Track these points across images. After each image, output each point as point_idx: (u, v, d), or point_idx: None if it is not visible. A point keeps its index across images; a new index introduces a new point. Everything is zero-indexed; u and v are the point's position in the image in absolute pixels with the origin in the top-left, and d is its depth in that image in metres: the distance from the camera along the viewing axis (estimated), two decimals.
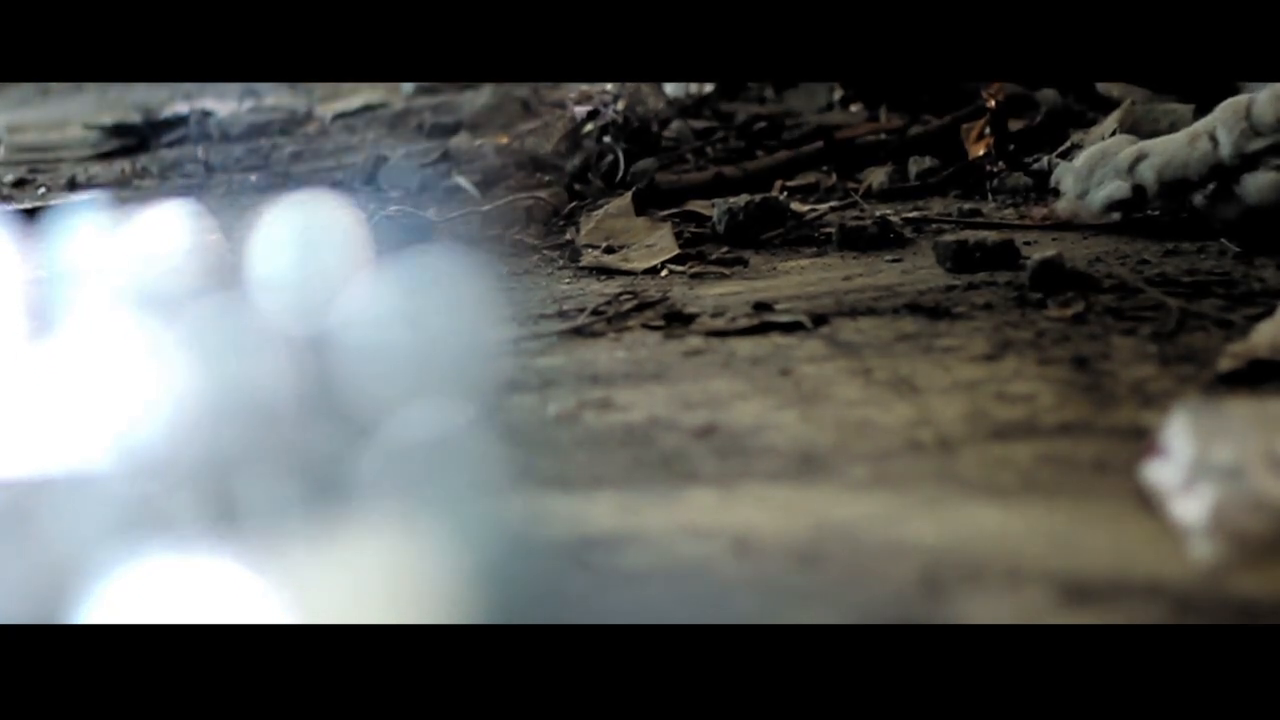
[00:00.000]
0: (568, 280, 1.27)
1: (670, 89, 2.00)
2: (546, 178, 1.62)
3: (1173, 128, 1.34)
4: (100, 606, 0.61)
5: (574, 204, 1.52)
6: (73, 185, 2.05)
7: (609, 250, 1.34)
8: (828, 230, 1.34)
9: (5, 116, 3.04)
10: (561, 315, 1.13)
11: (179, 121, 2.55)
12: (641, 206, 1.46)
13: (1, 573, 0.62)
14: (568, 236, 1.41)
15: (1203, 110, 1.32)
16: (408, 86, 2.65)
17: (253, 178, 2.01)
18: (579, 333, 1.08)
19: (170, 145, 2.41)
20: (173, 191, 1.96)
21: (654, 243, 1.34)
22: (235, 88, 2.84)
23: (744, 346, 1.02)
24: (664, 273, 1.26)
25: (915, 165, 1.55)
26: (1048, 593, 0.64)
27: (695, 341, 1.04)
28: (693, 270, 1.26)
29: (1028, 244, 1.24)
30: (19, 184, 2.11)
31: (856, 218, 1.37)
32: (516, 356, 1.03)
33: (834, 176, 1.59)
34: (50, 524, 0.64)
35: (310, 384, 0.79)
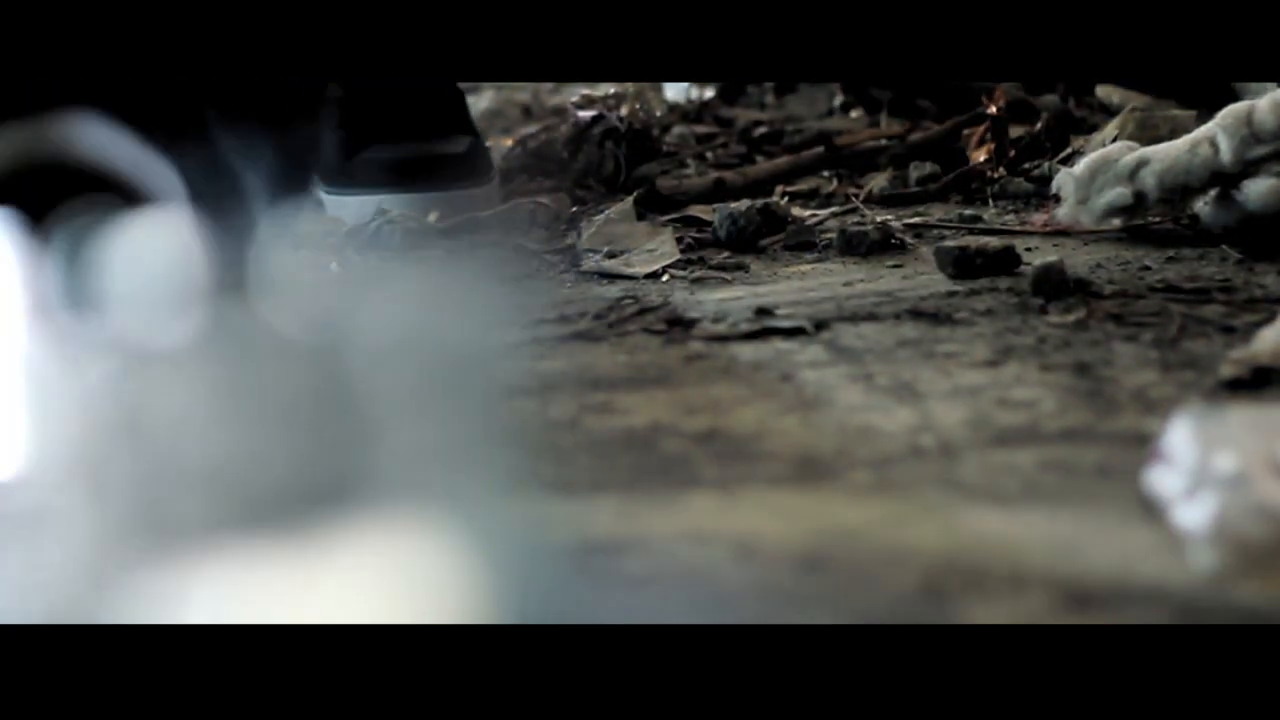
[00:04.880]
0: (569, 285, 1.27)
1: (671, 94, 2.00)
2: (549, 182, 1.61)
3: (1174, 134, 1.34)
4: (97, 610, 0.61)
5: (576, 209, 1.52)
6: None
7: (610, 255, 1.33)
8: (829, 236, 1.34)
9: None
10: (562, 320, 1.13)
11: None
12: (643, 211, 1.46)
13: None
14: (569, 241, 1.41)
15: (1204, 116, 1.32)
16: None
17: None
18: (580, 337, 1.08)
19: None
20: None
21: (655, 247, 1.34)
22: None
23: (745, 351, 1.02)
24: (665, 277, 1.26)
25: (916, 171, 1.55)
26: (1050, 599, 0.64)
27: (696, 346, 1.04)
28: (694, 275, 1.26)
29: (1029, 250, 1.24)
30: None
31: (857, 223, 1.37)
32: (517, 361, 1.03)
33: (835, 182, 1.59)
34: (54, 526, 0.64)
35: (311, 388, 0.78)
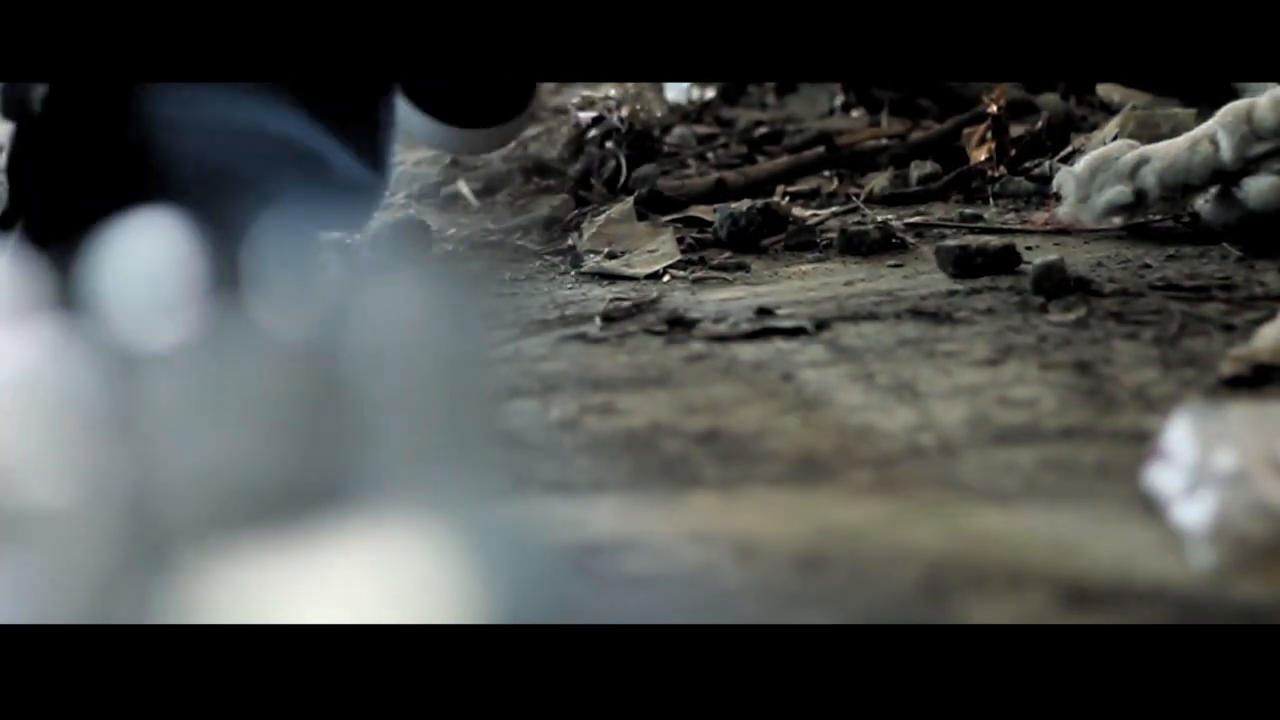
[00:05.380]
0: (570, 286, 1.27)
1: (672, 95, 2.00)
2: (550, 183, 1.62)
3: (1174, 132, 1.34)
4: (97, 610, 0.61)
5: (577, 209, 1.52)
6: None
7: (611, 256, 1.33)
8: (829, 235, 1.35)
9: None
10: (563, 321, 1.13)
11: None
12: (643, 212, 1.46)
13: None
14: (570, 242, 1.41)
15: (1204, 114, 1.32)
16: None
17: None
18: (581, 338, 1.08)
19: None
20: None
21: (656, 248, 1.34)
22: None
23: (746, 351, 1.02)
24: (666, 278, 1.26)
25: (917, 170, 1.55)
26: (1050, 597, 0.64)
27: (697, 346, 1.04)
28: (694, 275, 1.26)
29: (1029, 248, 1.24)
30: None
31: (858, 223, 1.37)
32: (518, 362, 1.03)
33: (836, 182, 1.59)
34: (54, 526, 0.64)
35: (312, 389, 0.78)
